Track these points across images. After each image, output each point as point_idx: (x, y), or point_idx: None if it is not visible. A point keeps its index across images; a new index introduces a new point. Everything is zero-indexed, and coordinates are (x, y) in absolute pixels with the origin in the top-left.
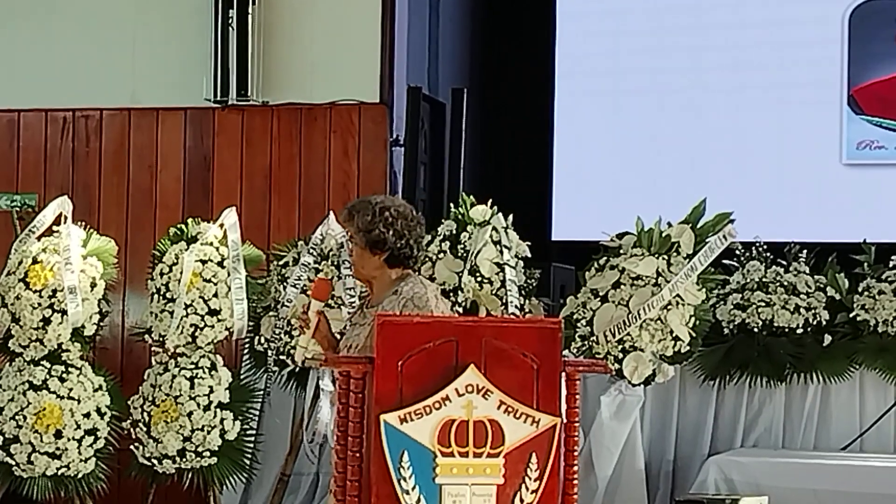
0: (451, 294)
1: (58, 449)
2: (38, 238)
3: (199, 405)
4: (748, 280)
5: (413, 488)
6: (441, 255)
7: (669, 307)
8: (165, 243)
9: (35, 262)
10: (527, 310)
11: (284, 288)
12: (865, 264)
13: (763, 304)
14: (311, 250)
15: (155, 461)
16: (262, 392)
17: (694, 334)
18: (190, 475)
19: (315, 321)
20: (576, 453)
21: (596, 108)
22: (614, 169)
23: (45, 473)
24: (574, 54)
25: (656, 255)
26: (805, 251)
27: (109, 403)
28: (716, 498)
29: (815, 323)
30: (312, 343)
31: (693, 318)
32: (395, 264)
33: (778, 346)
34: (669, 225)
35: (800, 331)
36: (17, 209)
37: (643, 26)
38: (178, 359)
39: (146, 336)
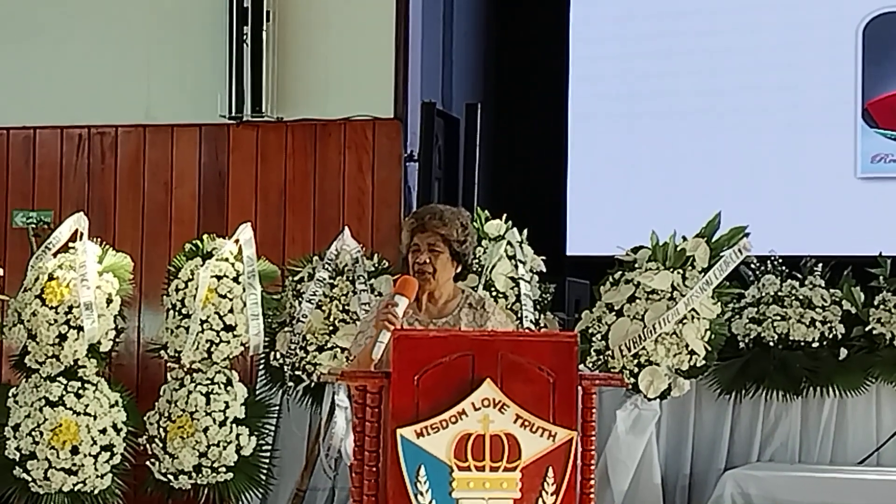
0: None
1: (74, 465)
2: (55, 254)
3: (214, 421)
4: (763, 294)
5: (430, 503)
6: None
7: (685, 321)
8: (181, 259)
9: (51, 278)
10: (542, 324)
11: (300, 303)
12: (881, 277)
13: (779, 317)
14: (326, 265)
15: (171, 477)
16: (277, 407)
17: (709, 348)
18: (206, 491)
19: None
20: (592, 467)
21: (610, 122)
22: (629, 183)
23: (61, 489)
24: (588, 69)
25: (671, 270)
26: (820, 265)
27: (125, 419)
28: None
29: (830, 336)
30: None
31: (708, 332)
32: (458, 278)
33: (794, 359)
34: (684, 239)
35: (816, 344)
36: (34, 226)
37: (657, 45)
38: (194, 374)
39: (162, 352)
